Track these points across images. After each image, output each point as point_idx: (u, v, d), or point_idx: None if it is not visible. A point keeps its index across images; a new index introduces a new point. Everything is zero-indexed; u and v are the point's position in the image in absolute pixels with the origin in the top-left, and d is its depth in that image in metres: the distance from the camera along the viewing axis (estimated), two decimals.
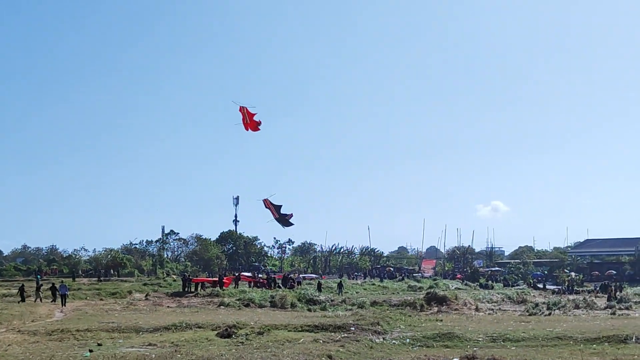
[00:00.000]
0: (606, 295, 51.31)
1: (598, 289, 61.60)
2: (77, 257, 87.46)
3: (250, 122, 39.36)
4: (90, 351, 21.01)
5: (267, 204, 63.28)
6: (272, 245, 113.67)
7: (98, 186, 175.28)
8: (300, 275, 73.83)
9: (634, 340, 23.97)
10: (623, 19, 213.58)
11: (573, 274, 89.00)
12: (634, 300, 46.80)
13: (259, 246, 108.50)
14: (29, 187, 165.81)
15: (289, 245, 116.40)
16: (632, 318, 36.03)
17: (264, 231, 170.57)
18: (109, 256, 79.87)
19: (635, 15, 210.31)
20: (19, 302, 40.76)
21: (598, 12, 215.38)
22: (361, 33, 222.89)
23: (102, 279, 62.47)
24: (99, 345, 22.99)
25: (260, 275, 70.37)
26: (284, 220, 65.83)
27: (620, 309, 41.81)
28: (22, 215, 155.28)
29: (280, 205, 64.07)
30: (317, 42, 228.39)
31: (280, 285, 57.71)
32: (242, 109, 38.87)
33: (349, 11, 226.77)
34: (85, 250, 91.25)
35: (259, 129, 40.26)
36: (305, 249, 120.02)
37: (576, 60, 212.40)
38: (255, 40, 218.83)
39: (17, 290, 44.17)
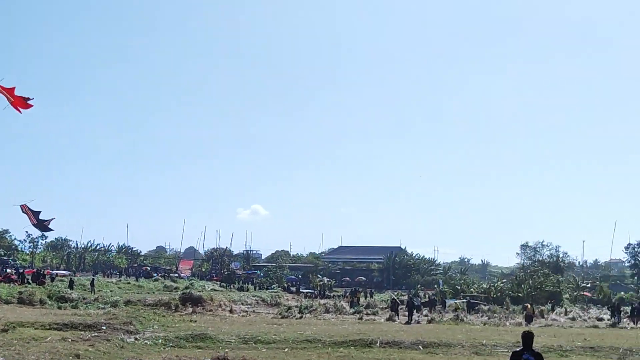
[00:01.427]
0: (351, 301, 53.37)
1: (348, 294, 64.31)
2: None
3: (15, 100, 34.32)
4: None
5: (25, 209, 59.76)
6: (24, 240, 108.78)
7: None
8: (54, 272, 70.89)
9: (378, 344, 25.16)
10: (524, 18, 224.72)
11: (325, 279, 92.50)
12: (380, 307, 49.40)
13: (9, 240, 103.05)
14: None
15: (42, 240, 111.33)
16: (378, 323, 38.00)
17: (15, 224, 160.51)
18: None
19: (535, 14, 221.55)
20: None
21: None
22: None
23: None
24: None
25: (8, 270, 66.77)
26: (43, 225, 62.75)
27: (367, 314, 43.98)
28: None
29: (40, 212, 60.91)
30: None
31: (30, 281, 54.93)
32: None
33: None
34: None
35: (31, 105, 35.41)
36: (59, 245, 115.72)
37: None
38: None
39: None
